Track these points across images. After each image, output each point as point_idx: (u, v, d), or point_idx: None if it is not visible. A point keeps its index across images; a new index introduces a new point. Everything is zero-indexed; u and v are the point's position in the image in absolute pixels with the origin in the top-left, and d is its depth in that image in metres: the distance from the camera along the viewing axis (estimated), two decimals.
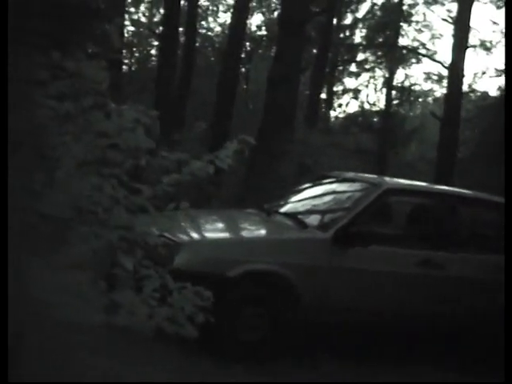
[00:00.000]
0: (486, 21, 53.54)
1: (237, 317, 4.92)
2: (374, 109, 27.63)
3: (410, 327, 5.61)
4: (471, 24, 17.85)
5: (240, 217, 6.25)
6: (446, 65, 18.96)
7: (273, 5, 24.34)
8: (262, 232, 5.97)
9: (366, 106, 27.98)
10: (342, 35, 24.30)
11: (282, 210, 6.14)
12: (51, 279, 2.85)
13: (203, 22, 24.55)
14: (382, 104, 27.13)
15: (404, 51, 24.87)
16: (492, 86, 76.67)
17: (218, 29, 25.59)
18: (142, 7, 24.94)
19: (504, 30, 9.00)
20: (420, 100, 31.63)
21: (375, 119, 27.75)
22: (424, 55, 24.85)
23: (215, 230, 5.96)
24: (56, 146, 3.00)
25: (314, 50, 20.70)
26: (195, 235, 5.34)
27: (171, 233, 4.87)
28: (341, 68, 26.09)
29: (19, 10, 2.51)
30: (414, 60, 26.62)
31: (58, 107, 3.06)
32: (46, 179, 2.95)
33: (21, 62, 2.31)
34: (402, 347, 5.61)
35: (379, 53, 25.28)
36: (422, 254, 5.56)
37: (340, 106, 29.05)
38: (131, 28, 23.73)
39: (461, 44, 17.49)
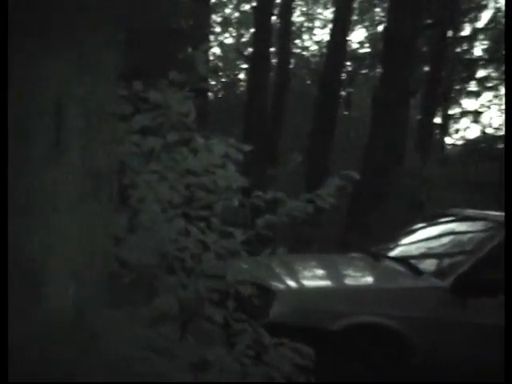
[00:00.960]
0: None
1: (341, 376, 4.90)
2: (499, 134, 27.03)
3: None
4: None
5: (343, 262, 6.25)
6: None
7: (377, 18, 24.43)
8: (369, 279, 5.95)
9: (489, 131, 27.44)
10: (458, 49, 24.03)
11: (392, 253, 6.09)
12: (133, 333, 2.95)
13: (297, 41, 24.89)
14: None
15: None
16: None
17: (314, 48, 25.88)
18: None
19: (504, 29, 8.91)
20: None
21: (501, 146, 27.08)
22: None
23: (315, 278, 5.99)
24: (139, 185, 3.13)
25: (426, 68, 20.57)
26: (293, 283, 5.38)
27: (266, 281, 4.93)
28: (458, 87, 25.75)
29: None
30: None
31: (141, 143, 3.20)
32: (128, 222, 3.07)
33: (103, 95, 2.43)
34: None
35: (504, 67, 24.83)
36: None
37: (457, 131, 28.64)
38: (216, 49, 24.35)
39: None
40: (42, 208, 2.27)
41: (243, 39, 25.07)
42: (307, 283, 5.58)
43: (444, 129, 25.45)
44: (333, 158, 14.21)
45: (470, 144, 26.47)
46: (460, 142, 28.49)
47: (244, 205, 3.19)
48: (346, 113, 23.60)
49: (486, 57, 24.02)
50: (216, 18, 23.43)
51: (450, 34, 21.37)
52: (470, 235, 5.87)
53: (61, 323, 2.30)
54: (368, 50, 24.59)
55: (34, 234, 2.25)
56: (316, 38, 26.12)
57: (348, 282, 5.84)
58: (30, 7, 2.28)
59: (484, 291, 5.19)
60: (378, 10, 24.18)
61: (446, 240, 6.10)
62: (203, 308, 3.24)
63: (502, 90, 27.36)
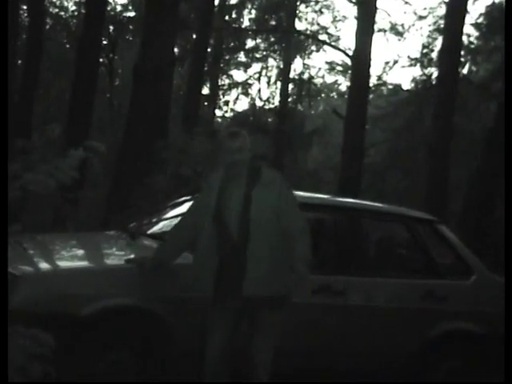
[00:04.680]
0: (395, 1, 55.70)
1: (96, 365, 4.81)
2: (268, 106, 28.03)
3: None
4: (378, 4, 18.47)
5: (99, 241, 6.16)
6: (351, 53, 19.48)
7: None
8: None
9: (259, 103, 28.36)
10: (226, 17, 24.53)
11: (150, 231, 6.09)
12: None
13: None
14: (276, 101, 27.59)
15: (302, 37, 25.37)
16: (405, 77, 79.68)
17: (73, 8, 25.30)
18: None
19: (504, 29, 9.76)
20: (323, 95, 32.36)
21: (269, 119, 28.15)
22: (325, 42, 25.46)
23: (69, 259, 5.80)
24: None
25: (194, 36, 20.79)
26: (41, 266, 5.15)
27: (10, 264, 4.70)
28: (227, 57, 26.32)
29: None
30: (313, 47, 27.21)
31: None
32: None
33: None
34: None
35: (272, 39, 25.69)
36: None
37: (227, 103, 29.31)
38: None
39: (367, 28, 18.02)
40: None
41: None
42: (59, 265, 5.39)
43: (212, 100, 25.94)
44: (96, 127, 13.95)
45: (238, 116, 27.23)
46: (229, 114, 29.25)
47: None
48: (108, 80, 23.34)
49: (254, 27, 24.67)
50: None
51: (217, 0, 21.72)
52: None
53: None
54: (132, 13, 24.34)
55: None
56: None
57: (99, 261, 5.68)
58: None
59: None
60: None
61: None
62: None
63: (271, 62, 28.32)
